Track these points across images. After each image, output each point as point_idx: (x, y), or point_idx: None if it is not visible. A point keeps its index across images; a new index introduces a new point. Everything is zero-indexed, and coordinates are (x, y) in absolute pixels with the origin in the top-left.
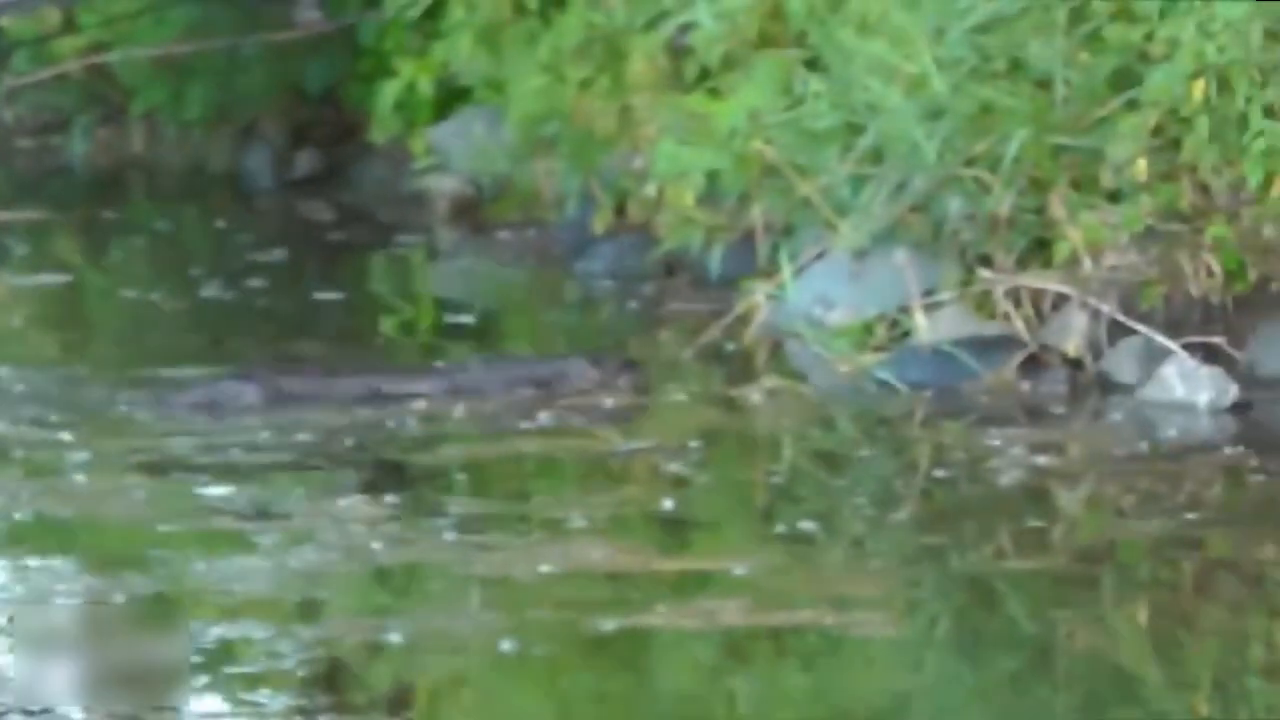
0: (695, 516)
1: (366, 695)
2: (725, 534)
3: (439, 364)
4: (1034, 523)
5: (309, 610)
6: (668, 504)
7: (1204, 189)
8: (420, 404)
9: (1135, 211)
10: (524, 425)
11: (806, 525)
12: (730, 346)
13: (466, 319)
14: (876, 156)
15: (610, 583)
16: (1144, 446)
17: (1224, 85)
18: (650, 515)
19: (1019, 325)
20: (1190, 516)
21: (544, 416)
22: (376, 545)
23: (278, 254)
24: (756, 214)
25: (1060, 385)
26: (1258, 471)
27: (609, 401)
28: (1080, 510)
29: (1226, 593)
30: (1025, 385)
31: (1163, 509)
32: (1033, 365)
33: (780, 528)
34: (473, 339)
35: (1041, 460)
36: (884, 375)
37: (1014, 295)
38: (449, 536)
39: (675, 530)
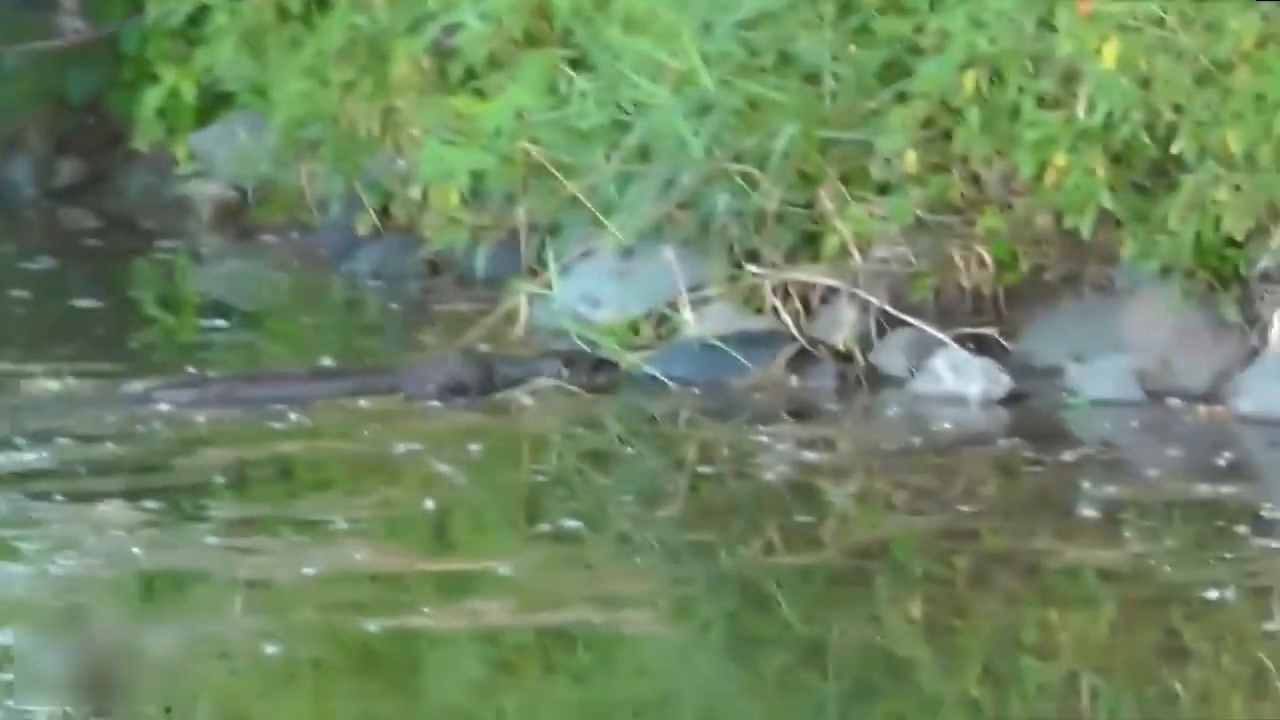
0: (460, 517)
1: (131, 702)
2: (490, 534)
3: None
4: (804, 519)
5: (71, 617)
6: (430, 504)
7: (975, 180)
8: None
9: (904, 203)
10: (281, 426)
11: (572, 524)
12: (494, 347)
13: (226, 322)
14: (643, 154)
15: (374, 584)
16: (916, 440)
17: (996, 76)
18: (414, 516)
19: (787, 320)
20: (964, 509)
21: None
22: (137, 551)
23: (41, 263)
24: (522, 213)
25: (830, 380)
26: (1032, 463)
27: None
28: (851, 505)
29: (1001, 584)
30: (794, 380)
31: (936, 502)
32: (802, 360)
33: (545, 527)
34: (234, 343)
35: (811, 455)
36: (651, 371)
37: (782, 290)
38: (211, 541)
39: (440, 531)
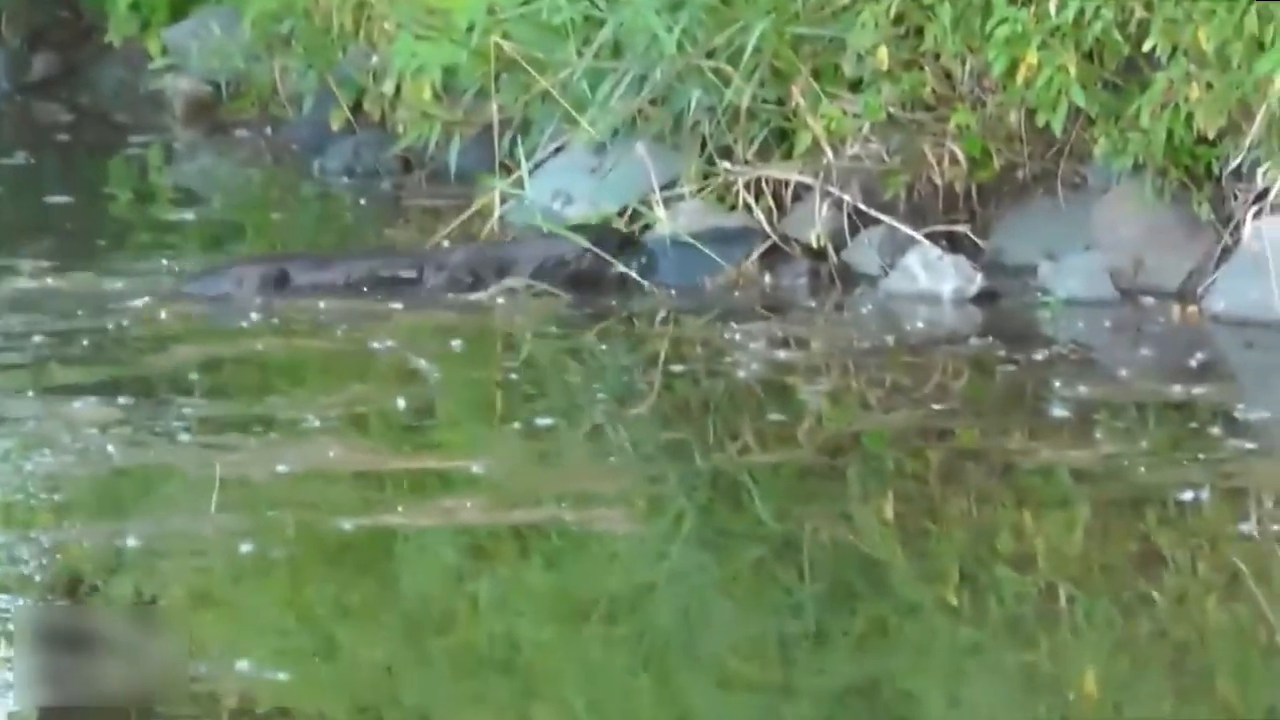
0: (432, 415)
1: (107, 599)
2: (463, 432)
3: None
4: (777, 417)
5: (46, 514)
6: (403, 402)
7: (947, 77)
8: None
9: (876, 100)
10: (245, 324)
11: (545, 422)
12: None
13: (197, 216)
14: (616, 50)
15: (348, 483)
16: (889, 338)
17: None
18: (387, 414)
19: (760, 217)
20: (936, 408)
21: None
22: (111, 448)
23: (15, 158)
24: (494, 109)
25: (802, 277)
26: (1004, 361)
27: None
28: (824, 404)
29: (974, 482)
30: (767, 278)
31: (908, 401)
32: (775, 257)
33: (517, 425)
34: (205, 237)
35: (784, 354)
36: (624, 269)
37: (755, 187)
38: (184, 439)
39: (413, 429)
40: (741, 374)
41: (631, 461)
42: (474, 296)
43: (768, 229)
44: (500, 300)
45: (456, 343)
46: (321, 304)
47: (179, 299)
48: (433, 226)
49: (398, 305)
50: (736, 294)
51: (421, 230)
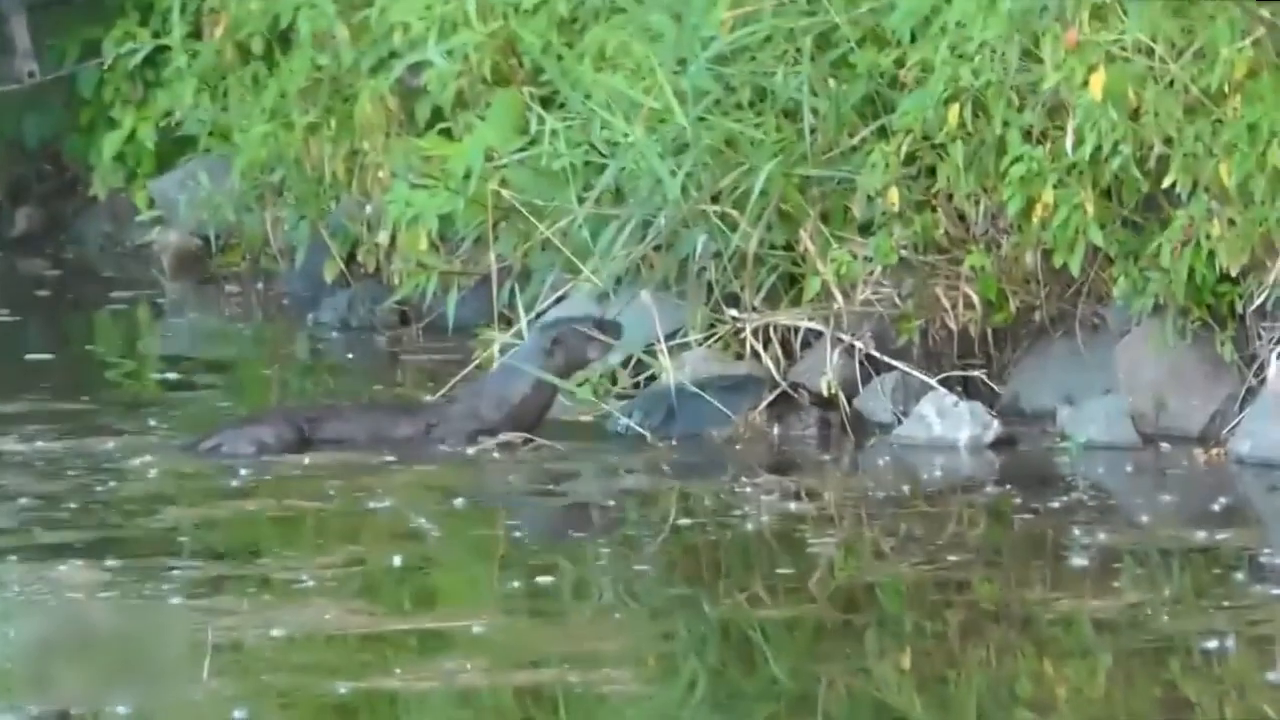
0: (432, 574)
1: None
2: (463, 591)
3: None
4: (789, 570)
5: (35, 682)
6: (400, 561)
7: (961, 218)
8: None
9: (888, 243)
10: (240, 483)
11: (546, 580)
12: None
13: (186, 374)
14: (618, 195)
15: (345, 645)
16: (903, 488)
17: (980, 109)
18: (384, 573)
19: (768, 365)
20: (953, 559)
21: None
22: (101, 612)
23: None
24: (492, 258)
25: (811, 427)
26: (1022, 509)
27: None
28: (838, 555)
29: (993, 635)
30: (776, 428)
31: (925, 552)
32: (784, 407)
33: (518, 583)
34: (194, 395)
35: (794, 505)
36: (627, 422)
37: (763, 334)
38: (175, 601)
39: (411, 588)
40: (751, 527)
41: (639, 618)
42: (471, 450)
43: (776, 377)
44: (496, 455)
45: (454, 500)
46: (305, 459)
47: (181, 458)
48: (432, 380)
49: (390, 460)
50: (744, 445)
51: (418, 386)
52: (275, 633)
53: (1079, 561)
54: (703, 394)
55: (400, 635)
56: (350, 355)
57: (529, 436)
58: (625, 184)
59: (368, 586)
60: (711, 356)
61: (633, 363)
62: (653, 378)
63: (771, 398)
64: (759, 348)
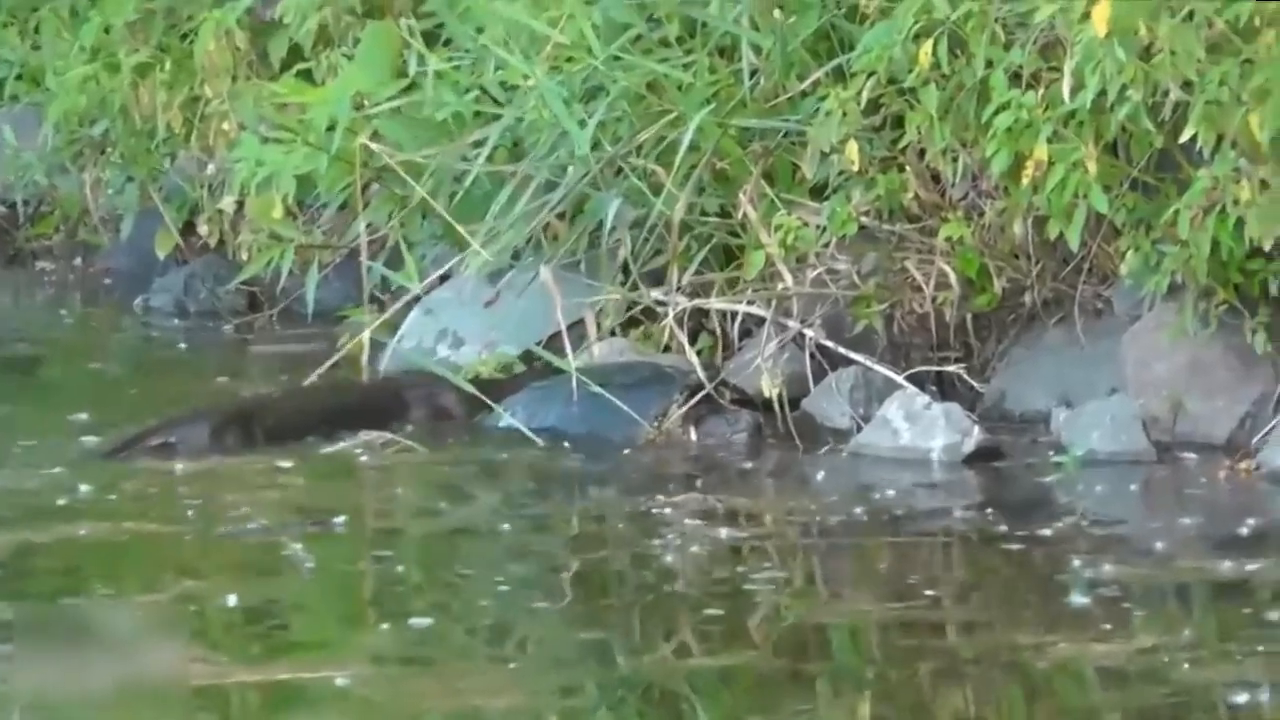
0: (286, 612)
1: None
2: (325, 635)
3: None
4: (720, 610)
5: None
6: (249, 599)
7: (934, 179)
8: None
9: (845, 208)
10: (63, 502)
11: (424, 621)
12: None
13: None
14: (515, 151)
15: (173, 703)
16: (861, 510)
17: (958, 46)
18: (225, 613)
19: (693, 358)
20: (925, 596)
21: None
22: None
23: None
24: (362, 228)
25: (746, 433)
26: (1009, 537)
27: None
28: (781, 594)
29: (974, 688)
30: (705, 433)
31: (889, 588)
32: (714, 408)
33: (390, 625)
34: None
35: (726, 531)
36: (516, 424)
37: (692, 320)
38: None
39: (260, 632)
40: (672, 557)
41: (537, 668)
42: (326, 450)
43: (702, 372)
44: (363, 457)
45: (311, 516)
46: (177, 467)
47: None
48: (283, 377)
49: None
50: (660, 455)
51: (270, 382)
52: (89, 687)
53: (1079, 599)
54: (612, 393)
55: (245, 689)
56: (186, 346)
57: (391, 437)
58: (524, 137)
59: (203, 630)
60: (630, 347)
61: (532, 356)
62: (557, 373)
63: (698, 397)
64: (683, 337)
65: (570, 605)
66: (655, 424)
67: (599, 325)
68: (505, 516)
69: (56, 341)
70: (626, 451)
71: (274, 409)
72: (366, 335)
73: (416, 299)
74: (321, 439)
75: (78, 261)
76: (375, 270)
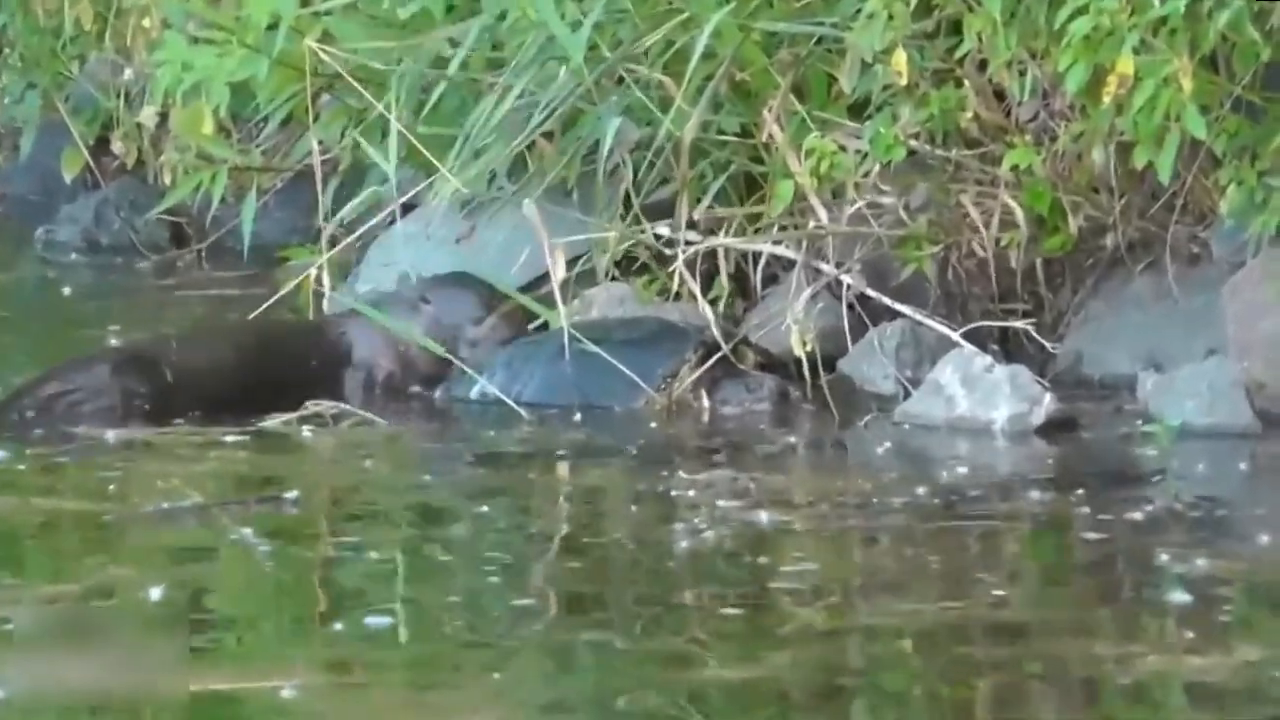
0: (221, 608)
1: None
2: (268, 637)
3: None
4: (744, 609)
5: None
6: (177, 592)
7: (998, 96)
8: None
9: (891, 131)
10: None
11: (386, 622)
12: None
13: None
14: (495, 57)
15: (96, 715)
16: (909, 492)
17: None
18: (154, 608)
19: (706, 309)
20: (988, 596)
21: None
22: None
23: None
24: (314, 147)
25: (770, 401)
26: (1088, 523)
27: None
28: (812, 591)
29: (1045, 706)
30: (721, 400)
31: (944, 584)
32: (732, 370)
33: (343, 625)
34: None
35: (748, 516)
36: (493, 389)
37: (705, 263)
38: None
39: (188, 633)
40: (686, 545)
41: (525, 681)
42: (269, 423)
43: (715, 329)
44: (307, 431)
45: (252, 497)
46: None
47: None
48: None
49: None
50: (672, 426)
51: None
52: None
53: (1171, 599)
54: (609, 350)
55: (171, 702)
56: (95, 288)
57: (344, 408)
58: (506, 39)
59: (121, 630)
60: (631, 295)
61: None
62: (541, 326)
63: (707, 360)
64: (694, 284)
65: (559, 603)
66: (662, 388)
67: (594, 268)
68: (483, 497)
69: None
70: (628, 423)
71: (186, 354)
72: (312, 276)
73: (374, 234)
74: (239, 396)
75: None
76: (325, 198)
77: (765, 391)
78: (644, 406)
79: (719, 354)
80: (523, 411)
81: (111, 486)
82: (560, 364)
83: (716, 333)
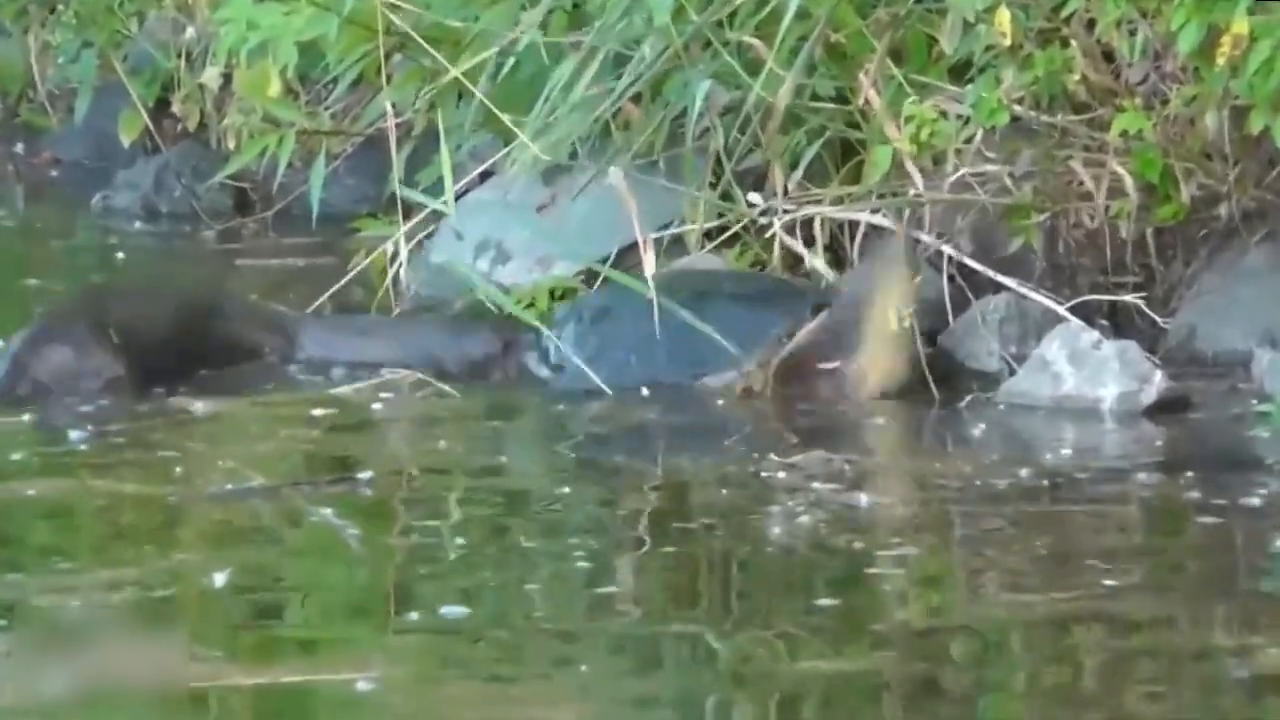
0: (290, 596)
1: None
2: (339, 626)
3: None
4: (841, 600)
5: None
6: (245, 578)
7: (1107, 57)
8: None
9: (994, 94)
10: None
11: (465, 611)
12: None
13: None
14: (575, 15)
15: (153, 712)
16: (1014, 474)
17: None
18: (219, 596)
19: (821, 266)
20: (1098, 584)
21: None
22: None
23: None
24: (385, 109)
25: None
26: (1203, 508)
27: None
28: (915, 579)
29: (1161, 701)
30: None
31: (1050, 573)
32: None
33: (419, 614)
34: None
35: (846, 498)
36: (577, 363)
37: (802, 231)
38: None
39: (262, 621)
40: (780, 530)
41: (608, 673)
42: (338, 390)
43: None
44: (377, 403)
45: (320, 475)
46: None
47: None
48: (289, 297)
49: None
50: (758, 400)
51: (271, 302)
52: (44, 689)
53: None
54: (701, 323)
55: (239, 696)
56: (155, 257)
57: (418, 374)
58: (587, 1)
59: (187, 618)
60: (715, 265)
61: (594, 275)
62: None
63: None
64: (799, 246)
65: (650, 591)
66: (781, 342)
67: (682, 239)
68: (566, 477)
69: None
70: (715, 397)
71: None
72: (389, 247)
73: (453, 202)
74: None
75: (19, 148)
76: (398, 164)
77: None
78: (745, 380)
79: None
80: (604, 386)
81: (178, 468)
82: (660, 338)
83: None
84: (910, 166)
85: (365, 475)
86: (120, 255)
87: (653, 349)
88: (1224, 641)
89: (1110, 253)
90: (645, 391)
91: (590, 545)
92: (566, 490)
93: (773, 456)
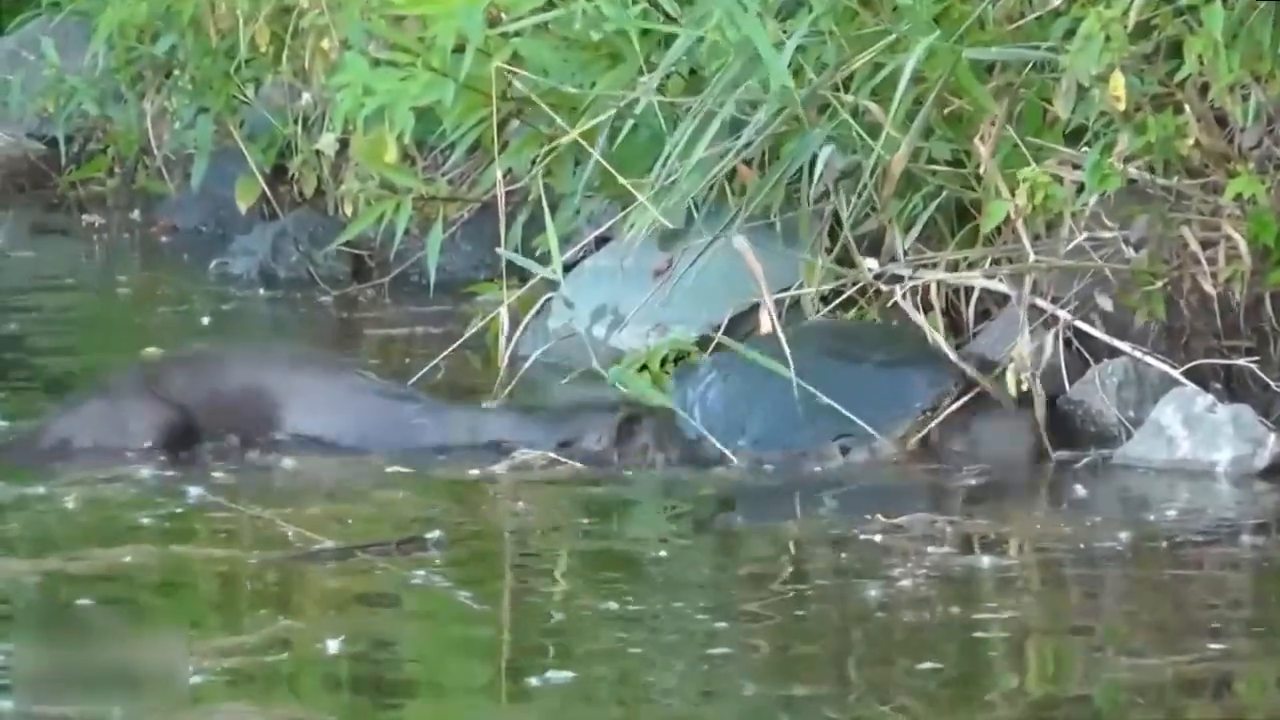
0: (402, 666)
1: None
2: (449, 694)
3: None
4: (957, 666)
5: None
6: (357, 646)
7: (1220, 121)
8: None
9: (1108, 159)
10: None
11: (577, 675)
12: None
13: (22, 353)
14: (693, 80)
15: None
16: (1130, 536)
17: None
18: (327, 665)
19: (940, 342)
20: (1213, 648)
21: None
22: None
23: None
24: (499, 176)
25: (1026, 442)
26: None
27: None
28: (1028, 643)
29: None
30: (971, 439)
31: (1164, 637)
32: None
33: (535, 681)
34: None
35: (965, 561)
36: (699, 429)
37: (919, 297)
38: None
39: (369, 691)
40: (890, 594)
41: None
42: (473, 473)
43: (961, 365)
44: (499, 473)
45: (438, 548)
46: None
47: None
48: (406, 359)
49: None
50: (879, 463)
51: (384, 368)
52: None
53: None
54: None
55: None
56: (273, 323)
57: (549, 455)
58: (705, 63)
59: (300, 685)
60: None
61: (712, 341)
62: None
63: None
64: (919, 318)
65: (763, 656)
66: (922, 416)
67: (800, 302)
68: (673, 541)
69: (103, 318)
70: (844, 463)
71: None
72: (503, 312)
73: (569, 268)
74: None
75: (135, 214)
76: (515, 230)
77: (1020, 431)
78: (878, 448)
79: (978, 388)
80: (728, 453)
81: (288, 532)
82: (781, 404)
83: (965, 366)
84: (1022, 231)
85: (434, 535)
86: (267, 323)
87: (790, 415)
88: None
89: (1224, 317)
90: (776, 455)
91: (715, 610)
92: (671, 556)
93: (880, 514)
